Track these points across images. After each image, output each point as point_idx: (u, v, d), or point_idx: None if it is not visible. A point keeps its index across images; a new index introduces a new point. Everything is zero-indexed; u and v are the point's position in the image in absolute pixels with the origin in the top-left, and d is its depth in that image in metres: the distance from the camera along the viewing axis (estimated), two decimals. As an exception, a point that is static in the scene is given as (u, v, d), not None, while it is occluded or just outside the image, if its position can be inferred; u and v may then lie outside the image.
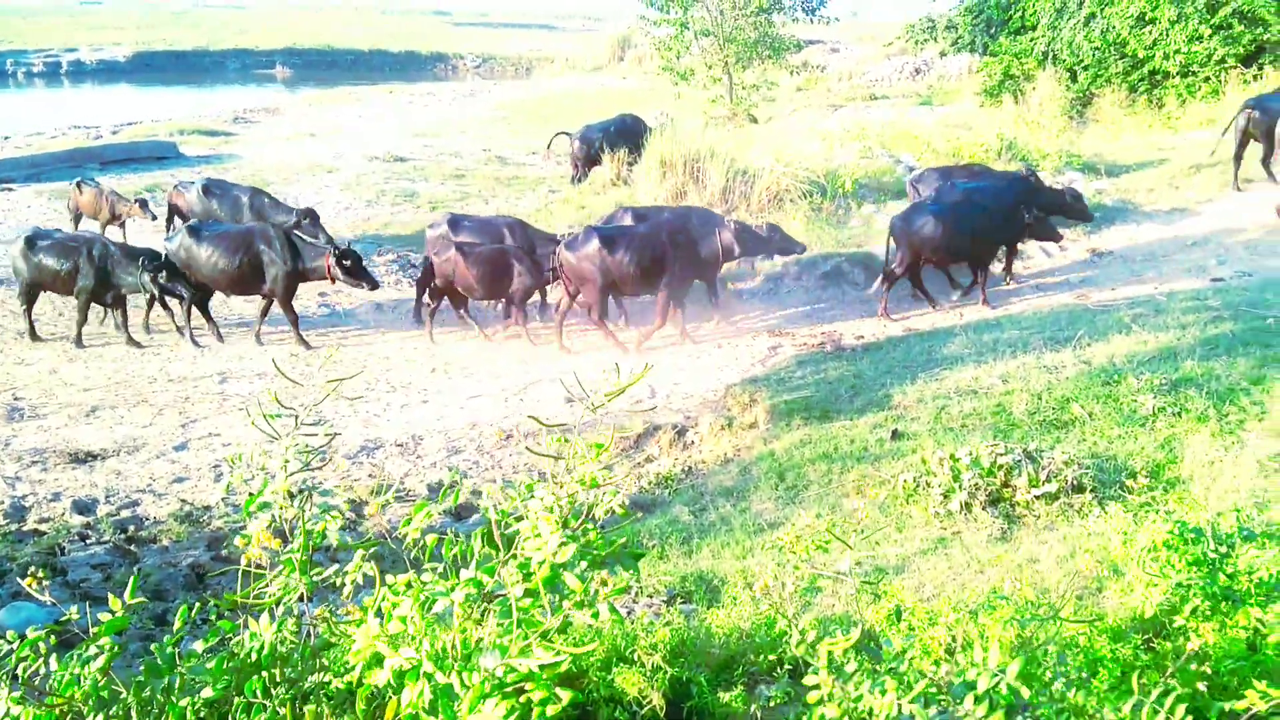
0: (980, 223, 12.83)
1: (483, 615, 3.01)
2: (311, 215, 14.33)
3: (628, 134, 18.79)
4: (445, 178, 21.00)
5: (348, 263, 12.10)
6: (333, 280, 12.39)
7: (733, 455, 8.94)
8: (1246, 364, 8.75)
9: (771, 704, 3.70)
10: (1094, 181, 16.80)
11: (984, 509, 6.79)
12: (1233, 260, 13.68)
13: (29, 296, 12.56)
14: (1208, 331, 9.94)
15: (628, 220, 12.98)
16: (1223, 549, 3.93)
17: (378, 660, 2.92)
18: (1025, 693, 2.76)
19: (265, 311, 12.75)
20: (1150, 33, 22.08)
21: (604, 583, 2.93)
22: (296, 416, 3.39)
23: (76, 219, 16.34)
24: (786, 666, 3.78)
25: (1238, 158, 16.10)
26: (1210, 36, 21.43)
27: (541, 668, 2.76)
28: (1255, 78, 21.41)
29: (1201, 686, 3.12)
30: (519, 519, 3.12)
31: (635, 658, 3.82)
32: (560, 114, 27.56)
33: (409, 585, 3.02)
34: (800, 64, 28.98)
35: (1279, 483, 6.43)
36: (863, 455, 8.22)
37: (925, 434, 8.39)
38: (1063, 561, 5.61)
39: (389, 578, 3.11)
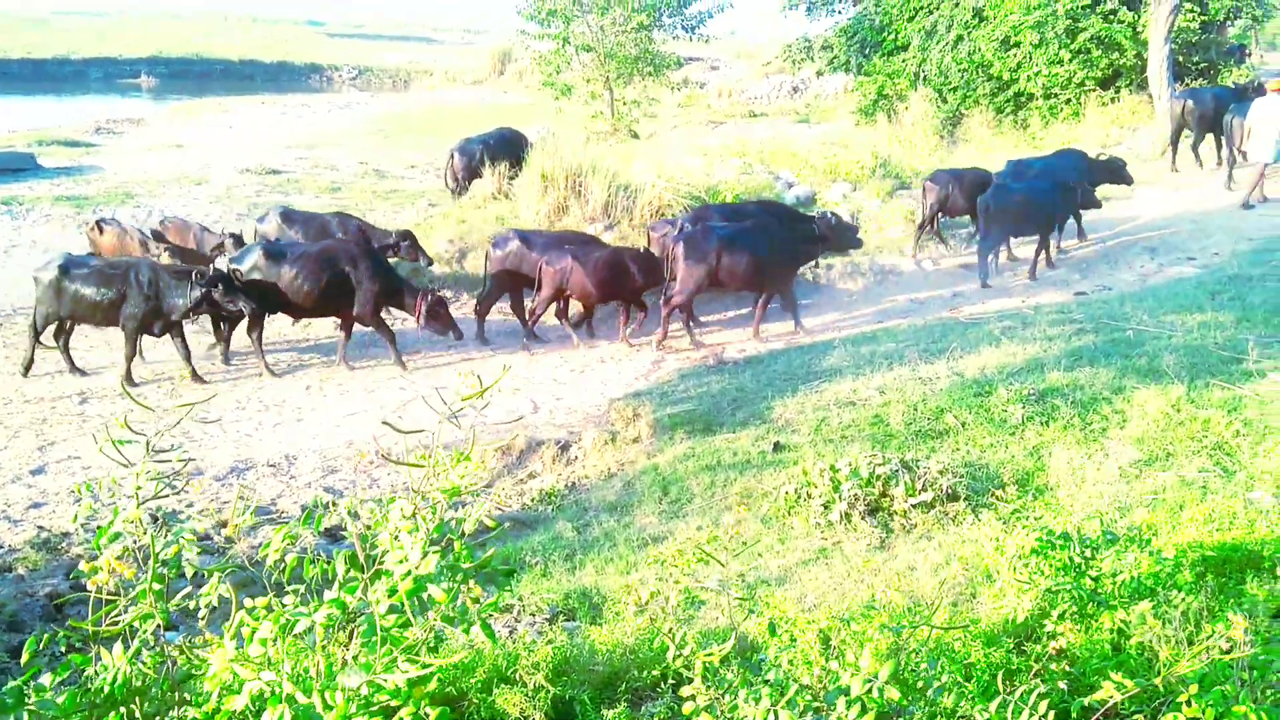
0: (1055, 196, 14.14)
1: (349, 636, 2.91)
2: (410, 237, 13.78)
3: (509, 147, 18.59)
4: (321, 191, 20.47)
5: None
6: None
7: (616, 470, 8.91)
8: (1108, 374, 9.11)
9: (654, 720, 3.67)
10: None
11: (863, 519, 6.89)
12: (1093, 274, 14.29)
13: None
14: (1072, 343, 10.34)
15: (716, 219, 13.09)
16: (1088, 553, 4.06)
17: (236, 685, 2.80)
18: (895, 696, 2.80)
19: (348, 333, 12.13)
20: (1014, 56, 22.95)
21: (476, 600, 2.85)
22: (148, 442, 3.23)
23: None
24: (670, 681, 3.75)
25: (1174, 143, 18.95)
26: (1070, 60, 22.39)
27: (410, 684, 2.67)
28: (1113, 100, 22.48)
29: (1063, 685, 3.21)
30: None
31: (517, 677, 3.75)
32: (440, 128, 27.17)
33: (269, 608, 2.89)
34: (681, 81, 29.21)
35: (1140, 488, 6.70)
36: (745, 467, 8.28)
37: (806, 445, 8.50)
38: (938, 569, 5.72)
39: (248, 601, 2.98)
